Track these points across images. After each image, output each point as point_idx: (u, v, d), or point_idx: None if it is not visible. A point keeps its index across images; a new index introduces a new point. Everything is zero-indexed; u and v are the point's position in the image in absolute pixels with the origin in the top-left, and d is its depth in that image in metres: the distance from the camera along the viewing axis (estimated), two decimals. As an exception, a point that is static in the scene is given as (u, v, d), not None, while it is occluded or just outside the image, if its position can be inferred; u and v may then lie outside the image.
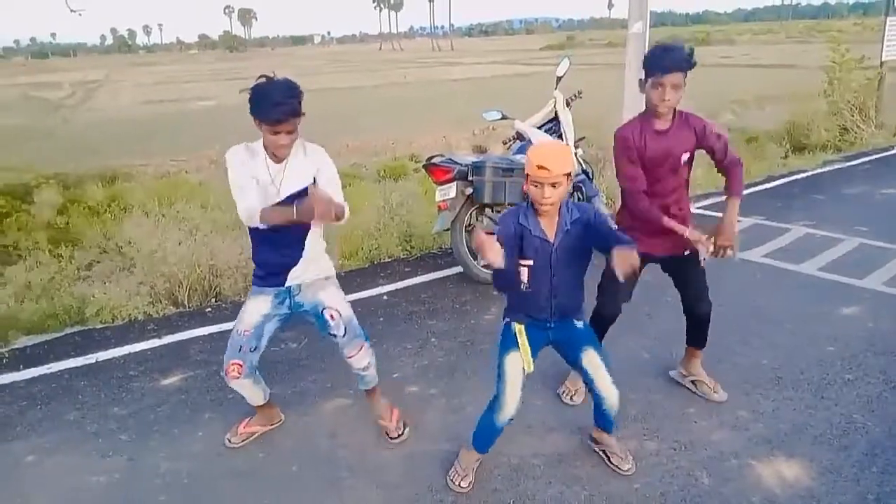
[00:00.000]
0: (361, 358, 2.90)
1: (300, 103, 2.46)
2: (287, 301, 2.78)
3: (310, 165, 2.63)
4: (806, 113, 9.59)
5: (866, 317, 4.02)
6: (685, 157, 2.85)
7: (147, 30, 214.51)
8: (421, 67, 39.98)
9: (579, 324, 2.57)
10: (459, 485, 2.64)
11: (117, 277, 4.87)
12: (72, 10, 6.75)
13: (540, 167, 2.24)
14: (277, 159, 2.57)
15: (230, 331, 3.60)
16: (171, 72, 49.34)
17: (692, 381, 3.29)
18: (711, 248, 2.86)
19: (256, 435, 3.01)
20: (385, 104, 18.61)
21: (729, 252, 2.87)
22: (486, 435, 2.63)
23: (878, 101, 9.87)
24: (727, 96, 14.33)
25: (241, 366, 2.72)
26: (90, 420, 3.21)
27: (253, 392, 2.87)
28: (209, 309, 4.57)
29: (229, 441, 2.95)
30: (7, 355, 3.94)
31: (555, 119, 5.14)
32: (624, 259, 2.16)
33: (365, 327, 3.26)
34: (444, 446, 2.90)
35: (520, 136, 5.16)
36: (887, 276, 4.62)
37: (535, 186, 2.29)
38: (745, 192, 6.98)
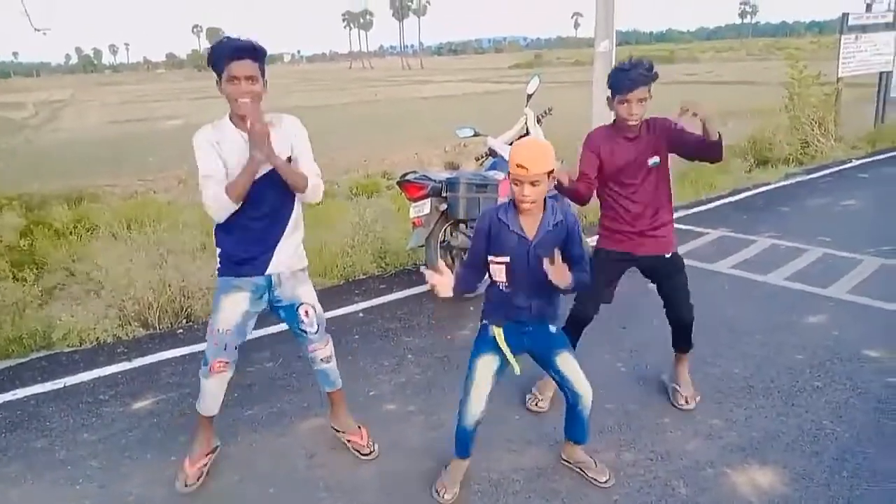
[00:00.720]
0: (326, 349, 2.90)
1: (260, 50, 2.42)
2: (265, 295, 2.69)
3: (284, 136, 2.56)
4: (768, 128, 9.86)
5: (832, 325, 4.12)
6: (654, 159, 2.96)
7: (113, 49, 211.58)
8: (391, 86, 40.17)
9: (553, 328, 2.60)
10: (444, 496, 2.63)
11: (84, 300, 4.78)
12: (36, 30, 6.64)
13: (519, 165, 2.28)
14: (245, 125, 2.41)
15: (201, 352, 3.53)
16: (139, 91, 48.76)
17: (674, 386, 3.35)
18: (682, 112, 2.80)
19: (207, 465, 2.86)
20: (356, 122, 18.63)
21: (698, 111, 2.74)
22: (460, 439, 2.64)
23: (837, 116, 10.21)
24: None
25: (226, 363, 2.67)
26: (59, 447, 3.12)
27: (220, 394, 2.75)
28: (180, 330, 4.49)
29: (185, 485, 2.74)
30: (-31, 382, 3.81)
31: (526, 135, 5.20)
32: (557, 273, 2.29)
33: (340, 345, 3.27)
34: (423, 464, 2.88)
35: (492, 153, 5.21)
36: (850, 284, 4.75)
37: (516, 185, 2.32)
38: (711, 205, 7.28)
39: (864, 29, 10.42)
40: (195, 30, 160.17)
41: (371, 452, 2.97)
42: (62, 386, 3.74)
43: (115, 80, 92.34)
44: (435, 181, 4.68)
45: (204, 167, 2.45)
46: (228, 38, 2.45)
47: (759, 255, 5.52)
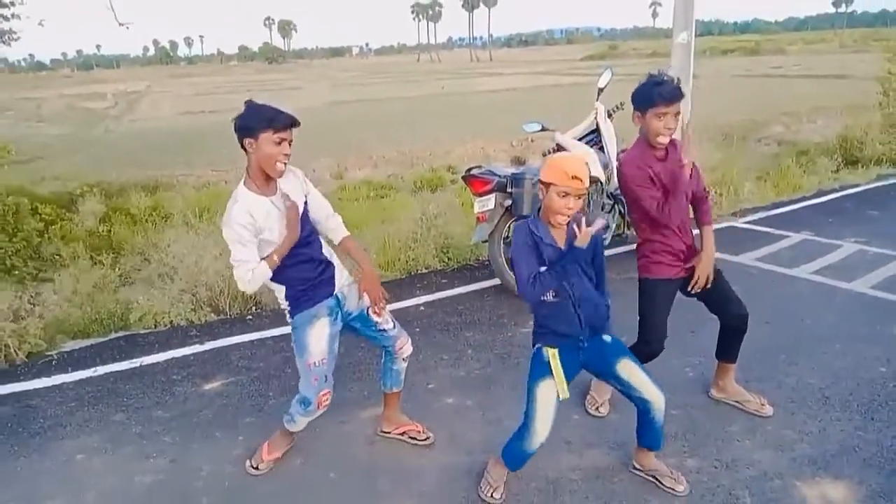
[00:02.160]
0: (410, 346, 3.03)
1: (296, 122, 2.56)
2: (338, 314, 2.83)
3: (294, 183, 2.74)
4: (859, 125, 9.40)
5: (921, 337, 3.94)
6: (685, 174, 2.90)
7: (188, 41, 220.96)
8: (459, 78, 40.31)
9: (607, 338, 2.60)
10: (492, 496, 2.69)
11: (159, 285, 5.06)
12: (120, 24, 7.07)
13: (574, 177, 2.30)
14: (268, 184, 2.60)
15: (270, 338, 3.71)
16: (212, 83, 50.74)
17: (735, 402, 3.30)
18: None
19: (280, 457, 3.02)
20: (422, 115, 18.82)
21: (706, 284, 3.00)
22: (517, 457, 2.66)
23: (938, 114, 9.62)
24: (777, 108, 14.15)
25: (329, 392, 2.82)
26: (135, 422, 3.37)
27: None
28: (250, 317, 4.72)
29: (255, 468, 2.92)
30: (56, 358, 4.15)
31: (596, 131, 5.18)
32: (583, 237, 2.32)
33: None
34: (480, 458, 2.94)
35: (560, 148, 5.21)
36: (945, 295, 4.52)
37: (561, 196, 2.33)
38: (797, 206, 7.03)
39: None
40: (267, 22, 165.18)
41: (427, 438, 3.08)
42: (138, 365, 4.01)
43: (190, 71, 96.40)
44: (500, 176, 4.73)
45: (239, 254, 2.56)
46: (265, 105, 2.55)
47: (844, 261, 5.31)
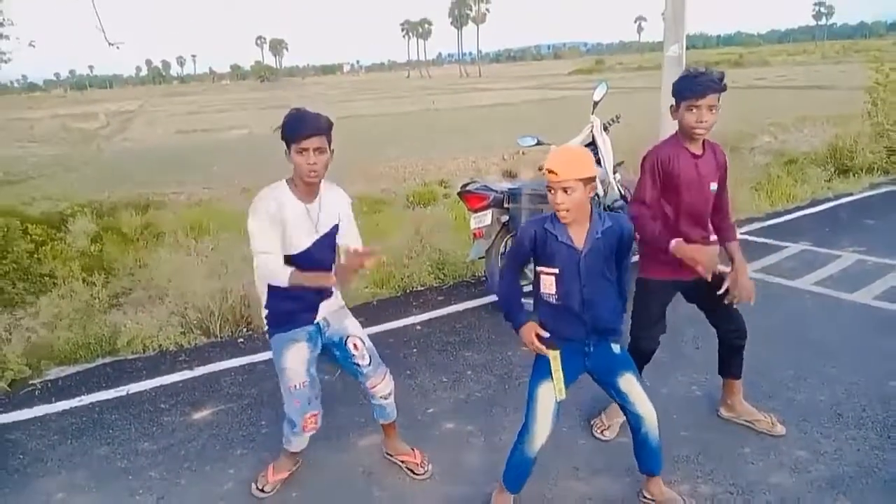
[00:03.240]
0: (386, 385, 2.87)
1: (329, 125, 2.53)
2: (318, 340, 2.75)
3: (336, 203, 2.69)
4: (848, 135, 9.34)
5: (931, 350, 3.80)
6: (713, 185, 2.84)
7: (181, 61, 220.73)
8: (449, 94, 40.36)
9: (616, 348, 2.48)
10: None
11: (149, 307, 4.89)
12: (110, 44, 6.90)
13: (549, 170, 2.22)
14: (308, 191, 2.57)
15: (262, 362, 3.53)
16: (204, 101, 50.64)
17: (746, 422, 3.15)
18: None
19: (287, 478, 2.91)
20: (414, 131, 18.73)
21: (749, 300, 2.86)
22: (517, 470, 2.53)
23: (926, 122, 9.57)
24: (764, 118, 14.12)
25: (316, 414, 2.74)
26: (120, 455, 3.17)
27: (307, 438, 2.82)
28: (241, 339, 4.54)
29: (261, 490, 2.82)
30: (40, 387, 3.94)
31: (592, 143, 5.05)
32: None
33: (398, 358, 3.19)
34: (484, 489, 2.76)
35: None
36: (950, 305, 4.40)
37: (550, 191, 2.26)
38: (789, 217, 6.92)
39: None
40: (259, 41, 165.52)
41: (425, 472, 2.91)
42: (125, 393, 3.81)
43: (182, 90, 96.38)
44: (497, 191, 4.59)
45: (261, 244, 2.51)
46: (298, 111, 2.54)
47: (846, 272, 5.19)
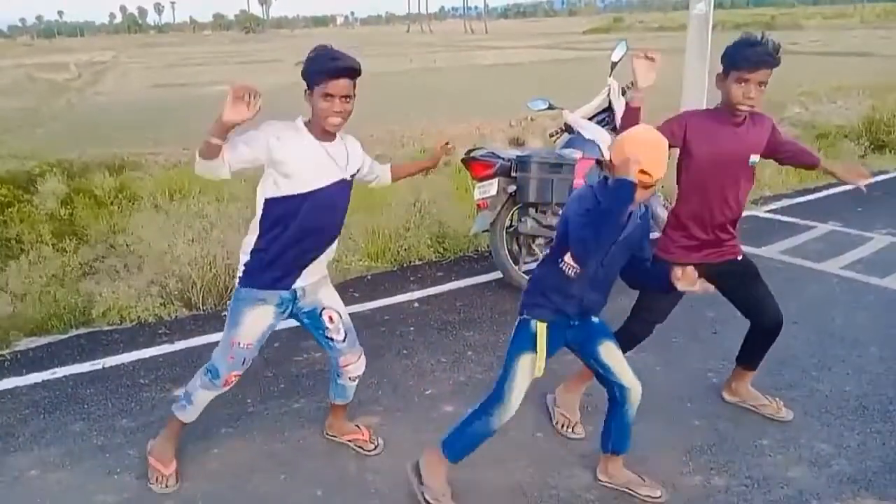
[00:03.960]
0: (359, 366, 2.93)
1: (359, 69, 2.50)
2: (289, 308, 2.74)
3: (356, 154, 2.73)
4: (886, 108, 9.32)
5: (965, 340, 3.86)
6: (754, 157, 2.84)
7: (159, 8, 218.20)
8: (452, 52, 39.99)
9: (595, 318, 2.58)
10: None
11: (125, 275, 4.90)
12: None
13: (644, 172, 2.21)
14: (327, 135, 2.55)
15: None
16: (184, 53, 50.11)
17: (751, 406, 3.22)
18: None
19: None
20: (413, 91, 18.61)
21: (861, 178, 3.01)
22: (471, 440, 2.59)
23: (973, 95, 9.57)
24: (795, 87, 14.03)
25: (239, 375, 2.76)
26: (97, 432, 3.22)
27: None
28: (225, 312, 4.54)
29: (167, 487, 2.78)
30: (9, 358, 3.98)
31: (609, 109, 5.04)
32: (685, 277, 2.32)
33: (394, 337, 3.23)
34: (485, 473, 2.84)
35: (568, 129, 5.07)
36: None
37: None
38: (819, 195, 6.95)
39: None
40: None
41: (376, 447, 3.02)
42: (101, 367, 3.85)
43: (160, 41, 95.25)
44: (504, 159, 4.58)
45: (238, 138, 2.41)
46: (329, 50, 2.49)
47: (877, 255, 5.24)
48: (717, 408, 3.29)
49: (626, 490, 2.70)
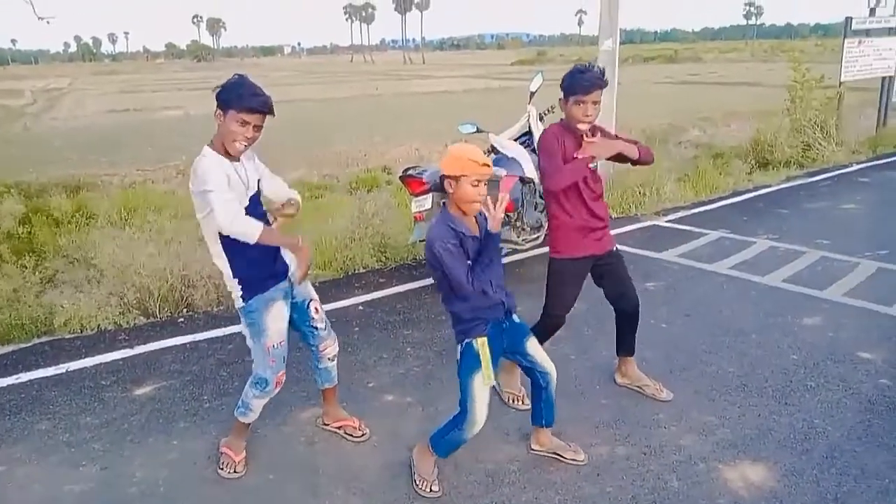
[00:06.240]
0: (335, 347, 3.05)
1: (273, 109, 2.56)
2: (290, 297, 2.83)
3: (255, 168, 2.75)
4: (769, 130, 9.92)
5: (827, 326, 4.20)
6: (594, 162, 3.08)
7: (113, 38, 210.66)
8: (393, 80, 40.14)
9: (517, 319, 2.75)
10: (431, 489, 2.71)
11: (85, 288, 4.83)
12: (40, 18, 6.69)
13: (485, 164, 2.39)
14: (232, 158, 2.57)
15: (204, 340, 3.59)
16: (138, 80, 48.65)
17: (638, 387, 3.46)
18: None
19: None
20: (357, 116, 18.63)
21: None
22: (452, 445, 2.73)
23: (839, 120, 10.27)
24: (694, 113, 14.74)
25: (284, 373, 2.83)
26: (62, 430, 3.20)
27: None
28: (181, 319, 4.56)
29: (236, 472, 2.84)
30: (-28, 366, 3.88)
31: (528, 133, 5.27)
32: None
33: (340, 337, 3.29)
34: (421, 453, 2.95)
35: (494, 150, 5.27)
36: (847, 287, 4.83)
37: (475, 185, 2.40)
38: (711, 206, 7.35)
39: (867, 33, 10.49)
40: (195, 20, 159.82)
41: (363, 435, 3.10)
42: (64, 371, 3.81)
43: (115, 69, 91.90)
44: (436, 176, 4.72)
45: (222, 196, 2.44)
46: (244, 77, 2.54)
47: (758, 257, 5.60)
48: (621, 389, 3.50)
49: (555, 455, 2.89)
